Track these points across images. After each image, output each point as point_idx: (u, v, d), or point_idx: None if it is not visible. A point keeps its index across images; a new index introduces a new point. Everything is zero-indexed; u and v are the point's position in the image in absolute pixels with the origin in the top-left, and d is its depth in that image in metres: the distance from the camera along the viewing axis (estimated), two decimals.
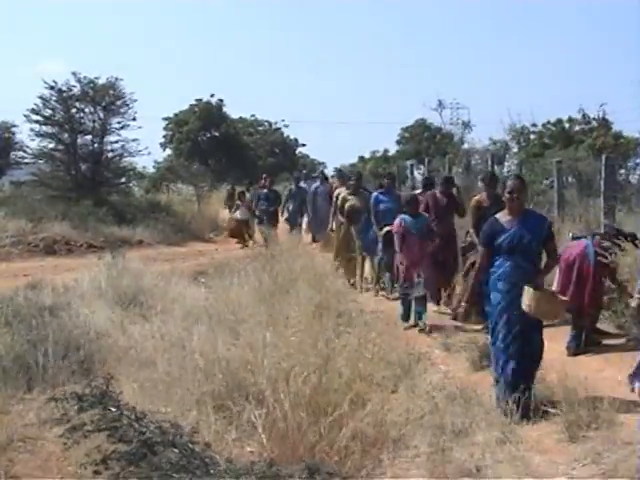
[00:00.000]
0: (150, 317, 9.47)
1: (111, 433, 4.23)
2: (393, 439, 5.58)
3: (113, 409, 4.49)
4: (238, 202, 23.11)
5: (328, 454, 4.73)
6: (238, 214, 22.75)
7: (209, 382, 5.99)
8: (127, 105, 27.87)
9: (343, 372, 5.41)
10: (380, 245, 12.34)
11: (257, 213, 20.90)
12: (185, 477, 3.86)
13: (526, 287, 6.67)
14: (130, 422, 4.41)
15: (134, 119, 28.00)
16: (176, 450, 4.19)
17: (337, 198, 14.28)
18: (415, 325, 10.33)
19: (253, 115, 58.92)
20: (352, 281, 13.67)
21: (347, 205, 13.69)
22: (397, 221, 10.64)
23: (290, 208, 20.83)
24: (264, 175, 22.04)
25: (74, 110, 27.33)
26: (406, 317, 10.59)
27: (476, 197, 10.58)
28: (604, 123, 29.87)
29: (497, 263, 6.93)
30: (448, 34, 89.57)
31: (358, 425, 5.08)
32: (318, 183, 20.79)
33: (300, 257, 13.29)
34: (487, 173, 11.79)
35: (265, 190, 20.98)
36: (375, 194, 13.13)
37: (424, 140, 43.49)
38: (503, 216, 7.01)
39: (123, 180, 29.69)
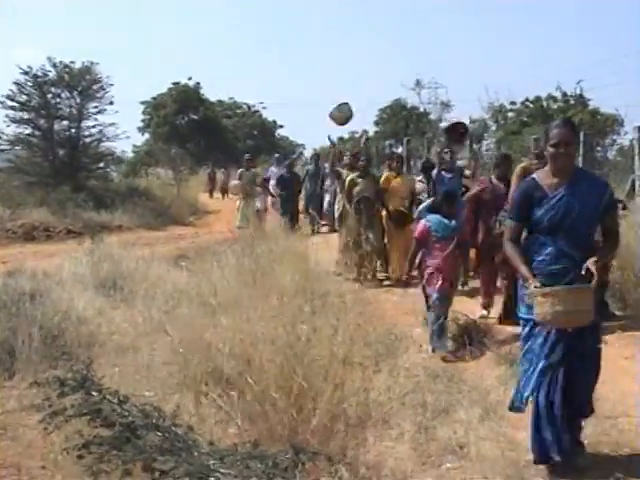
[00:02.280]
0: (131, 302, 9.43)
1: (93, 417, 4.21)
2: (376, 418, 5.60)
3: (95, 393, 4.47)
4: (258, 189, 20.27)
5: (311, 435, 4.73)
6: (257, 203, 19.89)
7: (190, 366, 5.98)
8: (104, 89, 27.78)
9: (321, 352, 5.40)
10: None
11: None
12: (169, 459, 3.85)
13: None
14: (112, 406, 4.39)
15: (111, 103, 27.96)
16: (159, 433, 4.18)
17: (344, 181, 13.08)
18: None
19: (232, 98, 58.87)
20: (363, 276, 12.22)
21: (355, 190, 12.40)
22: (419, 224, 8.77)
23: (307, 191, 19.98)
24: (246, 155, 21.61)
25: (50, 95, 27.19)
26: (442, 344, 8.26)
27: (522, 164, 9.37)
28: (581, 100, 30.04)
29: (532, 248, 5.06)
30: (425, 13, 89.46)
31: (340, 405, 5.09)
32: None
33: (282, 240, 13.24)
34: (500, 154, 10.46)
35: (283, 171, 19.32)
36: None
37: (402, 120, 43.55)
38: (545, 177, 5.04)
39: (101, 165, 29.60)
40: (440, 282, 8.32)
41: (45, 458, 4.95)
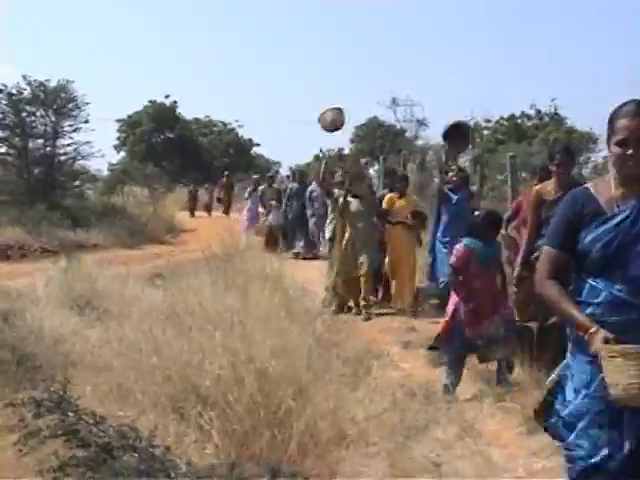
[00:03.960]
0: (106, 321, 9.37)
1: (69, 438, 4.18)
2: (352, 437, 5.60)
3: (71, 414, 4.43)
4: (272, 202, 19.56)
5: (288, 454, 4.72)
6: (271, 219, 19.42)
7: (166, 385, 5.95)
8: (79, 108, 27.67)
9: (297, 372, 5.40)
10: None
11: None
12: None
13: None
14: (89, 427, 4.36)
15: (86, 121, 27.84)
16: (136, 455, 4.16)
17: (336, 200, 12.01)
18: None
19: (207, 116, 58.74)
20: (354, 303, 11.37)
21: (350, 210, 11.44)
22: (460, 248, 7.31)
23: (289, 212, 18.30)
24: (226, 172, 21.38)
25: (25, 114, 27.04)
26: (454, 385, 7.27)
27: (536, 186, 7.54)
28: (556, 118, 30.39)
29: (583, 292, 3.42)
30: (400, 31, 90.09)
31: (317, 424, 5.08)
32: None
33: (257, 259, 13.23)
34: (563, 147, 7.91)
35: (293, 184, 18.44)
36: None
37: (378, 138, 43.73)
38: (604, 188, 3.47)
39: (77, 183, 29.45)
40: (486, 322, 7.05)
41: None
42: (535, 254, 6.48)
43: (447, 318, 7.33)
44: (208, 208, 34.42)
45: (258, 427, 4.87)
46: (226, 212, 31.99)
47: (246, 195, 22.39)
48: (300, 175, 19.44)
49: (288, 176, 22.57)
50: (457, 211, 10.22)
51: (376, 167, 22.63)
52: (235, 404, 5.07)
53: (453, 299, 7.30)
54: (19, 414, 4.73)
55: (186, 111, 56.63)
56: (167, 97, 53.45)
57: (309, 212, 17.45)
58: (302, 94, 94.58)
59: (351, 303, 11.49)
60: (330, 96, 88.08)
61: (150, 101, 53.36)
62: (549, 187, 7.11)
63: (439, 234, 10.69)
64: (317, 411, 5.27)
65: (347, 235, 11.43)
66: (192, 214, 34.83)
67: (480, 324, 7.05)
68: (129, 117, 53.94)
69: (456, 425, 6.19)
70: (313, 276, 13.22)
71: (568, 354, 3.50)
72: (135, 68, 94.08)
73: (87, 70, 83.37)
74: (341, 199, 11.60)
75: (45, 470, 4.08)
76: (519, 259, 7.25)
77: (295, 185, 18.51)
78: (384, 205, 11.64)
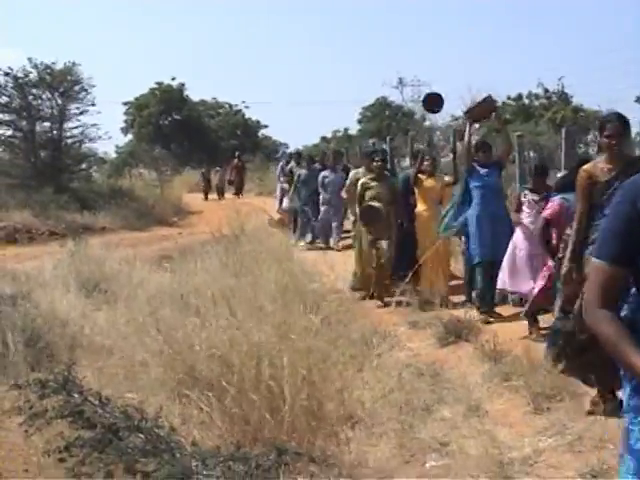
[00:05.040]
0: (114, 303, 9.40)
1: (74, 419, 4.19)
2: (360, 417, 5.60)
3: (76, 395, 4.44)
4: (285, 185, 18.44)
5: (294, 435, 4.72)
6: (285, 203, 18.52)
7: (172, 368, 5.96)
8: (85, 90, 27.68)
9: (304, 353, 5.39)
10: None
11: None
12: (152, 461, 3.83)
13: None
14: (94, 408, 4.37)
15: (93, 104, 27.84)
16: (141, 435, 4.16)
17: (355, 184, 11.32)
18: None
19: (214, 98, 58.56)
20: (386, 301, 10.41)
21: (367, 195, 10.75)
22: (556, 203, 7.18)
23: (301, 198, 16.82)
24: (237, 153, 20.72)
25: (31, 97, 27.07)
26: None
27: (585, 166, 6.17)
28: (563, 97, 30.23)
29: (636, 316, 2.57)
30: (407, 11, 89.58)
31: (323, 405, 5.08)
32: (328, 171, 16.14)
33: (266, 239, 13.23)
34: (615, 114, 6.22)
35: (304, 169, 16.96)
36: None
37: (385, 118, 43.63)
38: None
39: (84, 166, 29.55)
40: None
41: (27, 461, 4.90)
42: (587, 251, 5.74)
43: (543, 281, 7.50)
44: (220, 190, 32.58)
45: (262, 409, 4.87)
46: (237, 194, 31.20)
47: (277, 173, 21.31)
48: (308, 160, 17.77)
49: (291, 155, 21.07)
50: (488, 184, 9.43)
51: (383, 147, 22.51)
52: (238, 386, 5.06)
53: (545, 260, 7.45)
54: (25, 395, 4.74)
55: (193, 93, 56.48)
56: (174, 79, 53.24)
57: (322, 198, 16.13)
58: (310, 75, 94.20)
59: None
60: (339, 77, 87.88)
61: (157, 83, 53.21)
62: (600, 165, 5.94)
63: (471, 211, 9.52)
64: (323, 392, 5.27)
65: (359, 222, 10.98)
66: (206, 197, 32.84)
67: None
68: (136, 99, 53.79)
69: (463, 405, 6.19)
70: (321, 258, 13.16)
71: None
72: (141, 50, 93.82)
73: (93, 53, 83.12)
74: (362, 180, 10.95)
75: (51, 450, 4.10)
76: (568, 254, 6.15)
77: (303, 171, 17.00)
78: (411, 186, 10.94)
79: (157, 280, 10.84)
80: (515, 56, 75.21)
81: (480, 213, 9.33)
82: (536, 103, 31.66)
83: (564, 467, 5.02)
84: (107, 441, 4.05)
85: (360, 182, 10.95)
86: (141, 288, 10.09)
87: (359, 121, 47.27)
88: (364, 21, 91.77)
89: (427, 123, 34.15)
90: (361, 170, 12.01)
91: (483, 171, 9.44)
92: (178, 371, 5.91)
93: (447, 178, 11.17)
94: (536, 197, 8.44)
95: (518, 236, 8.57)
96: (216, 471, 3.84)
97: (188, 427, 5.09)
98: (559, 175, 8.95)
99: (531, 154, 17.06)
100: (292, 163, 18.89)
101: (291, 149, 40.34)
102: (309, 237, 16.65)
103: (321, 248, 15.97)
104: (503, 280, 8.71)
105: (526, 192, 8.65)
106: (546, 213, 7.24)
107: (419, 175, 10.83)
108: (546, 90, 31.45)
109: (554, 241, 7.18)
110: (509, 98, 31.86)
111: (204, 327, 6.39)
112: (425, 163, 10.85)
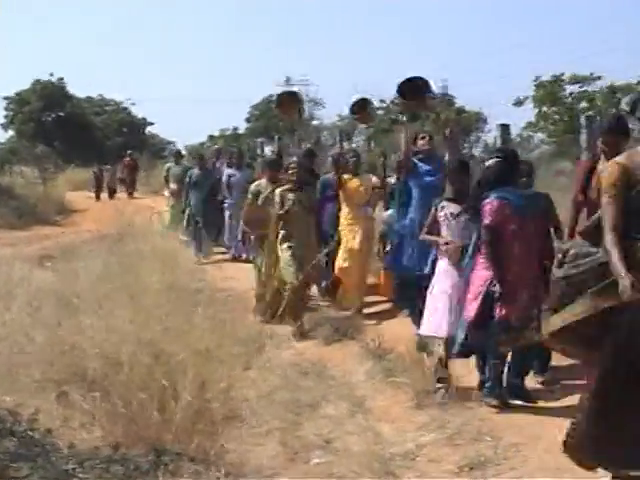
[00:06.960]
0: None
1: None
2: (244, 416, 5.57)
3: None
4: (172, 186, 16.35)
5: (175, 435, 4.64)
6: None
7: (51, 368, 5.78)
8: None
9: (187, 350, 5.32)
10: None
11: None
12: (24, 466, 3.70)
13: None
14: None
15: None
16: (14, 439, 4.01)
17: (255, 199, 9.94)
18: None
19: (100, 94, 57.33)
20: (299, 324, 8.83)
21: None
22: (491, 203, 5.84)
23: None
24: (129, 152, 19.81)
25: None
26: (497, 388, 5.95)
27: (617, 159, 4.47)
28: (446, 98, 31.12)
29: None
30: (295, 11, 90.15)
31: (204, 403, 5.02)
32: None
33: (150, 237, 13.00)
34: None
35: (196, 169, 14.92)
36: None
37: (273, 117, 43.68)
38: None
39: None
40: (525, 299, 5.70)
41: None
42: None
43: (476, 302, 5.88)
44: (111, 190, 31.65)
45: (145, 409, 4.77)
46: (130, 193, 30.35)
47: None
48: (200, 159, 15.69)
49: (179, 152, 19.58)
50: (430, 185, 7.90)
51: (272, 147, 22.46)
52: (119, 386, 4.95)
53: (478, 276, 5.93)
54: None
55: (80, 90, 55.15)
56: (51, 75, 51.76)
57: (226, 203, 14.44)
58: (199, 73, 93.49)
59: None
60: (228, 75, 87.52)
61: (36, 80, 51.68)
62: (637, 157, 4.25)
63: (411, 215, 8.08)
64: (209, 391, 5.20)
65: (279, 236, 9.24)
66: (98, 197, 31.46)
67: (516, 300, 5.72)
68: (17, 95, 52.17)
69: (347, 402, 6.24)
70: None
71: None
72: (24, 45, 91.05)
73: None
74: (277, 193, 9.31)
75: None
76: (615, 269, 4.10)
77: (195, 171, 14.93)
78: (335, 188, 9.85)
79: (38, 279, 10.51)
80: (403, 58, 76.35)
81: (422, 218, 7.45)
82: None
83: (444, 460, 5.12)
84: None
85: (277, 193, 9.28)
86: (21, 288, 9.76)
87: (247, 120, 47.29)
88: (261, 19, 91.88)
89: (314, 122, 34.42)
90: (263, 182, 10.24)
91: (425, 168, 8.09)
92: (61, 372, 5.74)
93: (374, 179, 10.07)
94: (454, 209, 6.65)
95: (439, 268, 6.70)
96: (93, 473, 3.74)
97: (68, 429, 4.95)
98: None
99: None
100: (170, 163, 17.36)
101: (180, 147, 39.95)
102: (205, 250, 14.54)
103: (235, 258, 13.98)
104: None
105: (444, 204, 6.74)
106: (487, 220, 5.84)
107: (342, 176, 9.72)
108: None
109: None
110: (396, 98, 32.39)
111: (90, 326, 6.23)
112: (348, 162, 9.88)
